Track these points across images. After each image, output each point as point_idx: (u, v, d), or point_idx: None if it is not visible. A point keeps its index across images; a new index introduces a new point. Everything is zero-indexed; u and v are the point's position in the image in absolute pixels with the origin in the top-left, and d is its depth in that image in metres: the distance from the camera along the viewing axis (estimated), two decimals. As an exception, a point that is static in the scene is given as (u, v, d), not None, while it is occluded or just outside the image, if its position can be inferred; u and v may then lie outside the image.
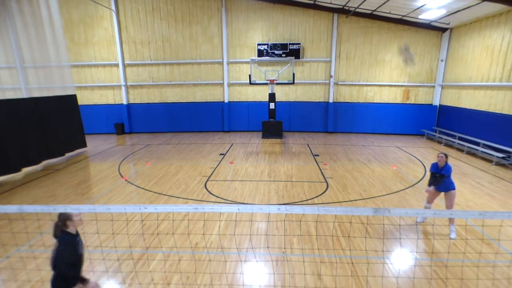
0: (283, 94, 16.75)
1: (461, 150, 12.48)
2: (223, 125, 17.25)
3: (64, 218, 3.07)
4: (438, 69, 15.30)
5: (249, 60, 15.84)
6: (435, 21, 13.77)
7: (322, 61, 16.22)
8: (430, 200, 5.91)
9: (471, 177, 9.15)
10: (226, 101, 16.95)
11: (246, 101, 17.02)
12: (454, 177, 9.00)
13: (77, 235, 3.20)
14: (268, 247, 5.20)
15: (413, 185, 8.47)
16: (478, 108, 12.43)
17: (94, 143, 14.36)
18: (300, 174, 9.47)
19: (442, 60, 15.02)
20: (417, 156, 11.79)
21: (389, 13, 13.91)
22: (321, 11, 15.42)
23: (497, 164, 10.50)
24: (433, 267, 4.63)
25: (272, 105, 15.07)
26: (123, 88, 16.75)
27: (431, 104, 15.81)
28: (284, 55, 15.86)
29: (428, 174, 6.01)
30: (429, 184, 5.82)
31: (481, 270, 4.57)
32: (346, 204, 7.14)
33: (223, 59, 16.43)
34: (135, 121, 17.22)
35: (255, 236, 5.59)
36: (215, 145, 13.88)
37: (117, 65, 16.55)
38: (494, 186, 8.37)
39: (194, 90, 17.00)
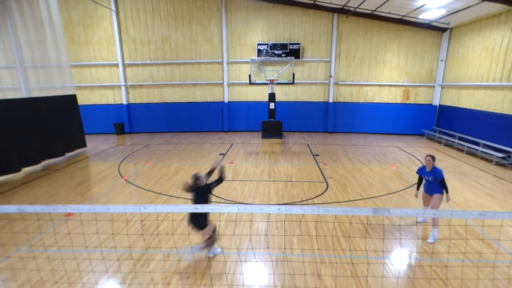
0: (283, 94, 16.75)
1: (461, 150, 12.48)
2: (223, 125, 17.25)
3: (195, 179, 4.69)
4: (438, 69, 15.31)
5: (249, 60, 15.84)
6: (435, 21, 13.77)
7: (322, 61, 16.22)
8: (425, 203, 5.81)
9: (471, 177, 9.15)
10: (226, 101, 16.95)
11: (246, 101, 17.02)
12: (454, 177, 9.04)
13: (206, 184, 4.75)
14: (268, 247, 5.20)
15: (413, 185, 8.46)
16: (478, 108, 12.43)
17: (94, 143, 14.36)
18: (300, 174, 9.47)
19: (442, 60, 15.03)
20: (417, 156, 11.79)
21: (389, 13, 13.91)
22: (321, 11, 15.42)
23: (497, 164, 10.50)
24: (433, 267, 4.63)
25: (272, 105, 15.07)
26: (123, 88, 16.74)
27: (431, 104, 15.82)
28: (284, 55, 15.86)
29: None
30: (418, 188, 5.81)
31: (481, 270, 4.56)
32: (346, 204, 7.14)
33: (223, 59, 16.43)
34: (135, 121, 17.22)
35: (255, 236, 5.59)
36: (215, 145, 13.88)
37: (117, 65, 16.54)
38: (494, 186, 8.37)
39: (194, 90, 17.00)
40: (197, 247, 4.80)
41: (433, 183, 5.46)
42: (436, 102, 15.64)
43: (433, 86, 15.66)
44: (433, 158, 5.47)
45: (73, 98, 12.23)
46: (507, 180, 8.89)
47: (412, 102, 16.03)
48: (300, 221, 6.13)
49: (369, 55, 15.78)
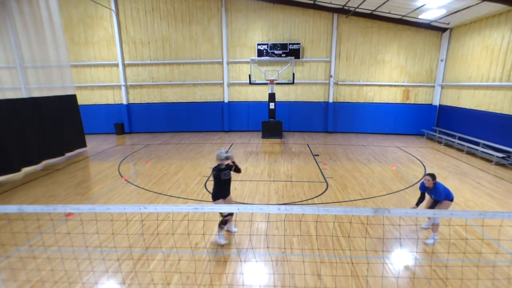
0: (283, 94, 16.75)
1: (461, 150, 12.48)
2: (223, 125, 17.25)
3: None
4: (438, 69, 15.30)
5: (249, 60, 15.84)
6: (435, 21, 13.77)
7: (322, 61, 16.22)
8: (418, 206, 5.54)
9: (471, 177, 9.15)
10: (226, 101, 16.95)
11: (246, 101, 17.02)
12: (454, 177, 9.03)
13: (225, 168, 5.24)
14: (268, 247, 5.20)
15: (413, 185, 8.47)
16: (478, 108, 12.43)
17: (94, 143, 14.36)
18: (300, 174, 9.47)
19: (442, 60, 15.03)
20: (417, 156, 11.79)
21: (389, 13, 13.91)
22: (321, 11, 15.42)
23: (497, 164, 10.50)
24: (433, 267, 4.63)
25: (272, 105, 15.07)
26: (123, 88, 16.74)
27: (431, 104, 15.82)
28: (284, 55, 15.86)
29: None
30: (417, 204, 5.44)
31: (481, 270, 4.56)
32: (346, 204, 7.14)
33: (223, 59, 16.43)
34: (135, 121, 17.22)
35: (255, 236, 5.59)
36: (215, 145, 13.87)
37: (117, 65, 16.54)
38: (494, 186, 8.37)
39: (194, 90, 17.00)
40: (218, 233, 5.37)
41: (433, 201, 5.34)
42: (436, 102, 15.64)
43: (433, 86, 15.66)
44: (433, 177, 5.17)
45: (73, 98, 12.22)
46: (507, 180, 8.89)
47: (412, 102, 16.03)
48: (300, 221, 6.13)
49: (369, 55, 15.78)
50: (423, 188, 5.38)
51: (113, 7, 15.72)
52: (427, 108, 15.84)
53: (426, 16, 13.00)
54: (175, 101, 17.09)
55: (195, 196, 7.71)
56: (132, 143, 14.55)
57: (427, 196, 5.52)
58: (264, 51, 15.95)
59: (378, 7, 13.24)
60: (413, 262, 4.80)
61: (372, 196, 7.66)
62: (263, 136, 15.23)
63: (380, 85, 16.11)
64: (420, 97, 15.92)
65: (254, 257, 4.92)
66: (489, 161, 10.89)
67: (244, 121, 17.21)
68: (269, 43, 15.91)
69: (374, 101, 16.34)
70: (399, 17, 14.27)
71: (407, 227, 5.90)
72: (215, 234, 5.55)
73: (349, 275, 4.45)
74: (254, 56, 16.06)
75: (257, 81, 15.52)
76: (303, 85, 16.63)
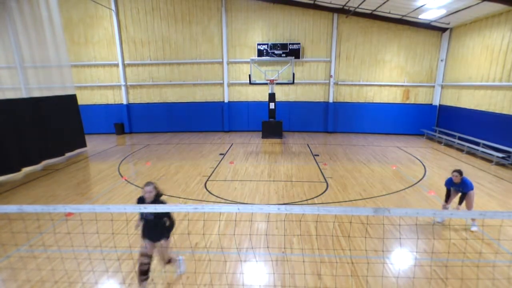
0: (283, 94, 16.75)
1: (461, 150, 12.48)
2: (223, 125, 17.25)
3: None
4: (438, 69, 15.30)
5: (249, 60, 15.83)
6: (435, 21, 13.77)
7: (322, 61, 16.22)
8: (448, 200, 5.94)
9: (471, 177, 9.07)
10: (226, 101, 16.95)
11: (246, 101, 17.02)
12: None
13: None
14: (268, 247, 5.20)
15: (413, 185, 8.47)
16: (478, 108, 12.43)
17: (94, 143, 14.36)
18: (300, 174, 9.47)
19: (442, 60, 15.02)
20: (417, 156, 11.79)
21: (389, 13, 13.91)
22: (321, 11, 15.41)
23: (497, 164, 10.50)
24: (433, 267, 4.63)
25: (272, 105, 15.07)
26: (123, 88, 16.74)
27: (431, 104, 15.81)
28: (284, 55, 15.85)
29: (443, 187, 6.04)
30: (446, 200, 5.86)
31: (481, 270, 4.56)
32: (346, 204, 7.14)
33: (223, 59, 16.43)
34: (135, 121, 17.22)
35: (255, 236, 5.59)
36: (215, 145, 13.87)
37: (117, 65, 16.54)
38: (494, 186, 8.37)
39: (194, 90, 17.00)
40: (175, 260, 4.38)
41: (461, 194, 5.68)
42: (436, 102, 15.64)
43: (433, 86, 15.65)
44: (461, 173, 5.54)
45: (73, 98, 12.23)
46: (507, 180, 8.89)
47: (412, 102, 16.03)
48: (300, 221, 6.13)
49: (369, 55, 15.78)
50: (450, 184, 5.72)
51: (113, 7, 15.72)
52: (427, 108, 15.84)
53: (426, 16, 12.99)
54: (175, 101, 17.09)
55: (195, 196, 7.71)
56: (132, 143, 14.55)
57: (452, 190, 5.83)
58: (264, 51, 15.94)
59: (378, 7, 13.24)
60: (413, 262, 4.80)
61: (372, 196, 7.66)
62: (263, 136, 15.23)
63: (380, 85, 16.11)
64: (420, 97, 15.92)
65: (254, 257, 4.92)
66: (489, 161, 10.89)
67: (244, 121, 17.21)
68: (269, 43, 15.91)
69: (374, 101, 16.34)
70: (399, 17, 14.27)
71: (407, 227, 5.91)
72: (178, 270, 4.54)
73: (349, 275, 4.45)
74: (254, 56, 16.06)
75: (257, 81, 15.52)
76: (303, 85, 16.63)
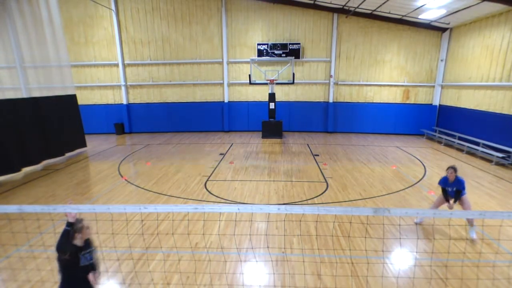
0: (283, 94, 16.74)
1: (461, 150, 12.48)
2: (223, 125, 17.25)
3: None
4: (438, 69, 15.30)
5: (249, 60, 15.83)
6: (435, 21, 13.76)
7: (322, 61, 16.22)
8: (437, 206, 5.79)
9: (471, 177, 9.14)
10: (226, 101, 16.95)
11: (246, 101, 17.02)
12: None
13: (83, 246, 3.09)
14: (268, 247, 5.20)
15: (413, 185, 8.47)
16: (478, 108, 12.43)
17: (94, 143, 14.36)
18: (300, 174, 9.47)
19: (442, 60, 15.02)
20: (417, 156, 11.79)
21: (389, 13, 13.91)
22: (321, 11, 15.41)
23: (497, 164, 10.50)
24: (433, 267, 4.63)
25: (272, 105, 15.07)
26: (123, 88, 16.74)
27: (431, 104, 15.81)
28: (284, 55, 15.85)
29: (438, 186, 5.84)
30: (447, 200, 5.57)
31: (481, 270, 4.56)
32: (346, 204, 7.14)
33: (223, 59, 16.43)
34: (135, 121, 17.22)
35: (255, 236, 5.59)
36: (215, 145, 13.87)
37: (117, 65, 16.54)
38: (494, 186, 8.37)
39: (194, 90, 17.00)
40: None
41: (456, 192, 5.45)
42: (436, 102, 15.64)
43: (433, 86, 15.65)
44: (455, 170, 5.39)
45: (73, 98, 12.22)
46: (507, 180, 8.88)
47: (412, 102, 16.03)
48: (300, 221, 6.13)
49: (369, 55, 15.78)
50: (444, 183, 5.53)
51: (113, 7, 15.72)
52: (427, 108, 15.84)
53: (426, 16, 12.99)
54: (175, 101, 17.09)
55: (195, 196, 7.71)
56: (132, 143, 14.55)
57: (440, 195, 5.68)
58: (264, 51, 15.94)
59: (378, 7, 13.24)
60: (413, 262, 4.80)
61: (372, 196, 7.66)
62: (263, 136, 15.23)
63: (380, 85, 16.10)
64: (420, 97, 15.92)
65: (254, 257, 4.92)
66: (489, 161, 10.89)
67: (244, 121, 17.20)
68: (269, 43, 15.91)
69: (374, 101, 16.34)
70: (399, 17, 14.27)
71: (407, 227, 5.91)
72: None
73: (349, 275, 4.45)
74: (254, 56, 16.06)
75: (257, 81, 15.52)
76: (303, 85, 16.63)
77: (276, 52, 15.89)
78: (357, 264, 4.72)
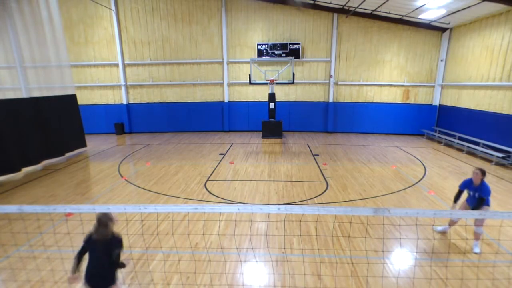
0: (283, 94, 16.74)
1: (461, 150, 12.48)
2: (223, 125, 17.25)
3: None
4: (438, 69, 15.30)
5: (249, 60, 15.83)
6: (435, 21, 13.76)
7: (322, 61, 16.22)
8: (457, 202, 5.26)
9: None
10: (226, 101, 16.95)
11: (246, 101, 17.02)
12: (454, 177, 9.03)
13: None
14: (268, 247, 5.20)
15: (413, 185, 8.47)
16: (478, 108, 12.43)
17: (94, 143, 14.36)
18: (300, 174, 9.47)
19: (442, 60, 15.02)
20: (417, 156, 11.79)
21: (389, 13, 13.91)
22: (321, 11, 15.41)
23: (497, 164, 10.50)
24: (433, 267, 4.63)
25: (272, 105, 15.07)
26: (123, 88, 16.74)
27: (431, 104, 15.81)
28: (284, 55, 15.85)
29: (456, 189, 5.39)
30: (455, 201, 5.17)
31: (481, 270, 4.56)
32: (346, 204, 7.14)
33: (223, 59, 16.43)
34: (135, 121, 17.22)
35: (255, 236, 5.59)
36: (215, 145, 13.87)
37: (117, 65, 16.54)
38: (494, 186, 8.35)
39: (194, 90, 17.00)
40: None
41: (478, 199, 4.95)
42: (436, 102, 15.64)
43: (433, 86, 15.65)
44: (483, 173, 4.85)
45: (73, 98, 12.22)
46: (507, 180, 8.88)
47: (412, 102, 16.03)
48: (300, 221, 6.13)
49: (369, 55, 15.78)
50: (466, 186, 5.08)
51: (113, 7, 15.72)
52: (427, 108, 15.84)
53: (426, 16, 12.99)
54: (175, 101, 17.09)
55: (195, 196, 7.71)
56: (132, 143, 14.55)
57: (462, 197, 5.23)
58: (264, 51, 15.94)
59: (378, 7, 13.24)
60: (413, 262, 4.80)
61: (372, 196, 7.66)
62: (263, 136, 15.23)
63: (380, 85, 16.10)
64: (420, 97, 15.92)
65: (254, 257, 4.92)
66: (489, 161, 10.89)
67: (244, 121, 17.20)
68: (269, 43, 15.91)
69: (374, 101, 16.34)
70: (399, 17, 14.26)
71: (407, 227, 5.90)
72: None
73: (349, 275, 4.45)
74: (254, 56, 16.06)
75: (257, 81, 15.52)
76: (303, 85, 16.63)
77: (276, 52, 15.89)
78: (357, 264, 4.72)
